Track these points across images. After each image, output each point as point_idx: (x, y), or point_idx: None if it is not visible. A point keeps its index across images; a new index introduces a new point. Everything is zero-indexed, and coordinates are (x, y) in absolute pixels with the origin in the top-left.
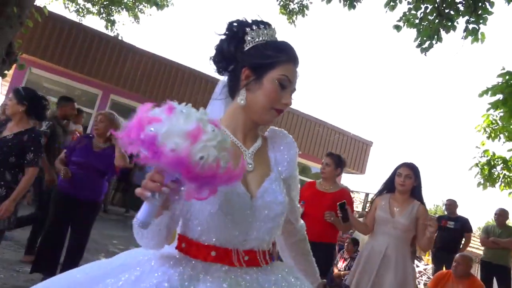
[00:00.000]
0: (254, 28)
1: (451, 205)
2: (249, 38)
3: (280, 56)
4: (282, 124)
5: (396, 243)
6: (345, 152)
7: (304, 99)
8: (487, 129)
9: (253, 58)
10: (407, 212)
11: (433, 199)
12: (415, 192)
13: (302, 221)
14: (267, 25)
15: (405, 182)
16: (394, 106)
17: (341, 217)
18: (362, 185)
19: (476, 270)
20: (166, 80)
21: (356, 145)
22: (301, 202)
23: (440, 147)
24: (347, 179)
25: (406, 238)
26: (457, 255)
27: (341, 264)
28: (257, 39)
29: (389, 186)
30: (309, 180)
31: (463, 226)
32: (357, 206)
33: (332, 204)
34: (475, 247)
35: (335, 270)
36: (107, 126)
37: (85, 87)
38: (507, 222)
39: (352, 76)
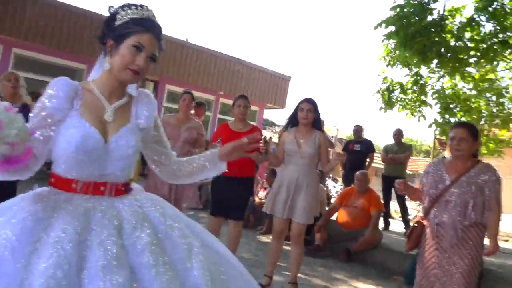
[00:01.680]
0: (125, 9)
1: (358, 130)
2: (118, 16)
3: (136, 27)
4: (201, 66)
5: (305, 170)
6: (266, 88)
7: (223, 40)
8: (386, 58)
9: (116, 31)
10: (311, 142)
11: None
12: (316, 124)
13: (174, 154)
14: (139, 6)
15: (307, 116)
16: (309, 40)
17: (264, 150)
18: (283, 118)
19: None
20: (73, 30)
21: (276, 81)
22: (218, 140)
23: (351, 77)
24: (269, 114)
25: (313, 164)
26: (357, 172)
27: (262, 194)
28: (124, 18)
29: (293, 121)
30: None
31: (368, 148)
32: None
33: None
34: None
35: (256, 199)
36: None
37: None
38: (402, 140)
39: (268, 14)
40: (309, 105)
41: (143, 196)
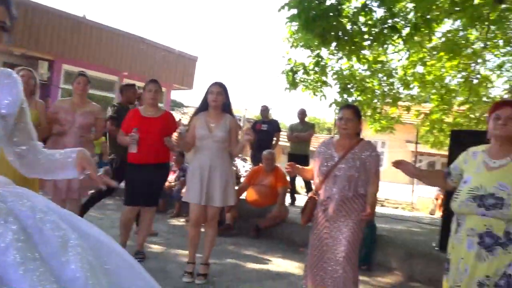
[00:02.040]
0: None
1: (265, 110)
2: None
3: None
4: (101, 44)
5: (218, 154)
6: (173, 69)
7: (124, 17)
8: (290, 39)
9: None
10: (222, 126)
11: (257, 105)
12: (226, 107)
13: (40, 145)
14: None
15: (217, 99)
16: (216, 20)
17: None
18: (191, 99)
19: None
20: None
21: (182, 61)
22: (134, 130)
23: (259, 57)
24: (177, 95)
25: (225, 147)
26: (264, 152)
27: (171, 177)
28: None
29: (203, 106)
30: None
31: (274, 128)
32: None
33: (161, 128)
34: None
35: (166, 183)
36: None
37: None
38: (306, 119)
39: None
40: (219, 88)
41: (7, 189)
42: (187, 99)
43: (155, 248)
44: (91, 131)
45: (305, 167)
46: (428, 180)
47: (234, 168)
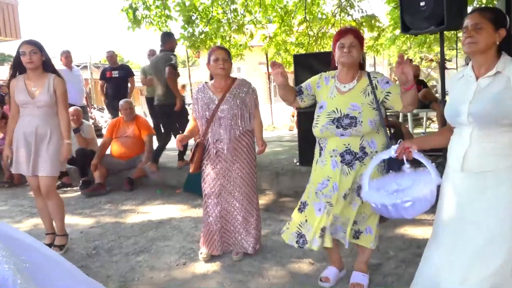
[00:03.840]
0: None
1: (112, 56)
2: None
3: None
4: None
5: (44, 119)
6: None
7: None
8: None
9: None
10: (45, 89)
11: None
12: (46, 66)
13: None
14: None
15: (32, 58)
16: None
17: None
18: None
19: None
20: None
21: (1, 7)
22: None
23: None
24: (4, 48)
25: (52, 111)
26: (121, 102)
27: None
28: None
29: (19, 67)
30: None
31: (126, 72)
32: None
33: None
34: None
35: None
36: None
37: None
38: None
39: None
40: (32, 46)
41: None
42: (14, 51)
43: (24, 227)
44: None
45: (185, 132)
46: (284, 92)
47: (90, 124)
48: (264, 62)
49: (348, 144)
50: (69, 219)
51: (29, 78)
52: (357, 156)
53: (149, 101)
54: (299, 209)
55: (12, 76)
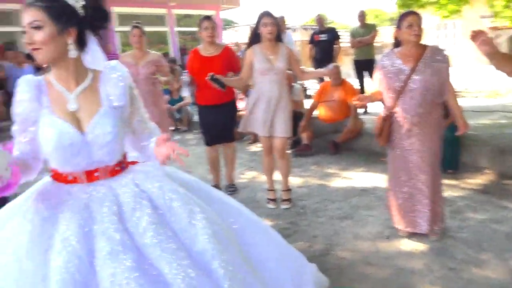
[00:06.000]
0: None
1: (321, 19)
2: None
3: None
4: None
5: (280, 85)
6: None
7: None
8: None
9: None
10: (281, 57)
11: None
12: (278, 37)
13: (155, 128)
14: None
15: (272, 30)
16: None
17: (219, 87)
18: (241, 17)
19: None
20: None
21: None
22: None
23: None
24: (226, 15)
25: (284, 78)
26: (329, 66)
27: (241, 104)
28: None
29: (256, 38)
30: None
31: (333, 36)
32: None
33: (223, 65)
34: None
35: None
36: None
37: None
38: (366, 21)
39: None
40: (272, 18)
41: (141, 170)
42: (236, 17)
43: (243, 178)
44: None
45: (373, 92)
46: (496, 62)
47: (300, 87)
48: (487, 15)
49: None
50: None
51: (266, 47)
52: None
53: (357, 63)
54: None
55: (250, 45)
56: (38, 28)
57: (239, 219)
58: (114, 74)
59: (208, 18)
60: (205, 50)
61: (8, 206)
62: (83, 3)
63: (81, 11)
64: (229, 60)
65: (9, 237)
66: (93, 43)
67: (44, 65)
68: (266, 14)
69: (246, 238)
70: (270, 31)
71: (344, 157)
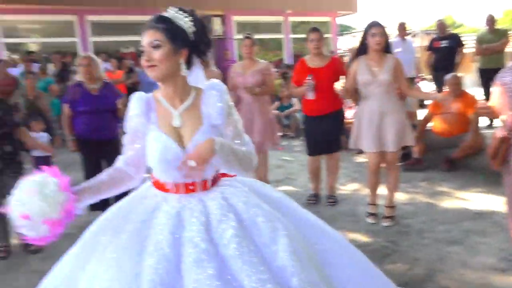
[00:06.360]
0: None
1: (441, 24)
2: None
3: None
4: None
5: (384, 98)
6: None
7: None
8: None
9: None
10: (386, 68)
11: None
12: (387, 48)
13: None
14: None
15: (381, 41)
16: None
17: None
18: (359, 22)
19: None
20: None
21: None
22: (309, 76)
23: None
24: (343, 21)
25: (391, 91)
26: (448, 77)
27: (349, 112)
28: None
29: (363, 50)
30: None
31: (456, 42)
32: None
33: (330, 76)
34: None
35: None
36: (91, 67)
37: (59, 16)
38: (495, 25)
39: None
40: (380, 28)
41: (230, 184)
42: (354, 23)
43: (344, 190)
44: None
45: (491, 105)
46: None
47: (413, 100)
48: None
49: None
50: (384, 190)
51: (372, 58)
52: None
53: (483, 72)
54: None
55: (356, 56)
56: (157, 47)
57: (322, 238)
58: (214, 93)
59: (315, 29)
60: (311, 61)
61: (117, 204)
62: (194, 29)
63: (191, 36)
64: (336, 71)
65: (115, 232)
66: (197, 65)
67: (158, 82)
68: (375, 24)
69: (328, 258)
70: (378, 41)
71: (459, 175)
